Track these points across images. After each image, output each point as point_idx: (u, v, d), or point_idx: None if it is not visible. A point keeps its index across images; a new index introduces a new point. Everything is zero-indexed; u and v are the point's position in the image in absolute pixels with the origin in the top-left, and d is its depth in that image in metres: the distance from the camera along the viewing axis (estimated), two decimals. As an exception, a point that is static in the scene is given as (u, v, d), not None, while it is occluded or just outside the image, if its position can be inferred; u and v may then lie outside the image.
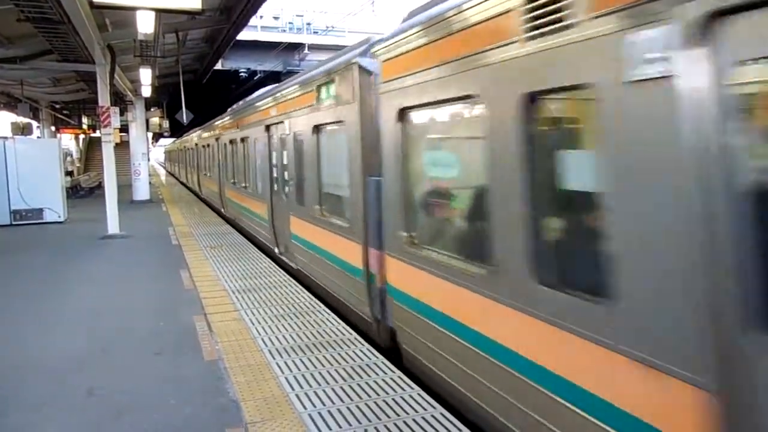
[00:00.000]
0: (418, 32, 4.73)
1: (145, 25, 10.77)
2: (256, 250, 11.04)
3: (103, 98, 13.53)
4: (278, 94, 10.09)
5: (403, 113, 5.12)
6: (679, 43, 2.42)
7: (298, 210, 8.79)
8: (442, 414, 4.11)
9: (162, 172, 56.49)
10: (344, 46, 7.00)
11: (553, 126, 3.64)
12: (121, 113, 21.37)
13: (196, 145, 25.13)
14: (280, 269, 9.19)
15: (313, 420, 4.08)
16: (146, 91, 21.09)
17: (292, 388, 4.63)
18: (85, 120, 33.26)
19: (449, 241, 4.91)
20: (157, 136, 48.65)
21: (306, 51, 32.83)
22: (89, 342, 6.12)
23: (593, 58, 2.88)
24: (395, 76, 5.19)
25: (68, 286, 8.82)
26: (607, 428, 2.93)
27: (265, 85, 16.88)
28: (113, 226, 13.54)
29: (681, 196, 2.47)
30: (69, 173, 28.37)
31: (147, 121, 25.96)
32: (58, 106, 29.98)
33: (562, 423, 3.25)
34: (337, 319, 6.46)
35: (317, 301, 7.21)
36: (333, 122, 7.17)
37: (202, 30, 16.34)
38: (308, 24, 34.84)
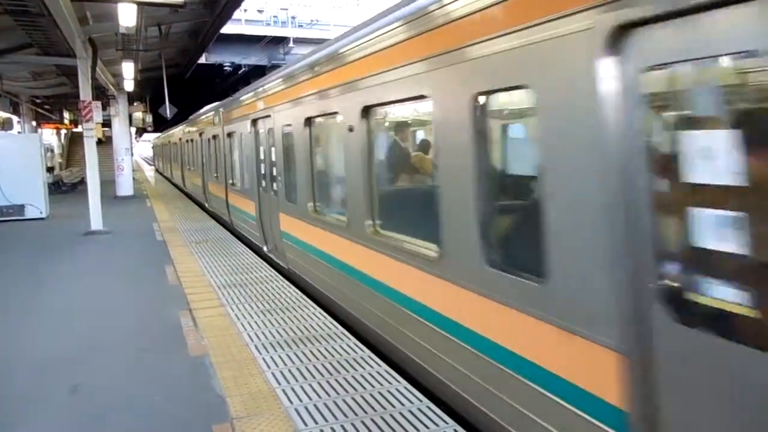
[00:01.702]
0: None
1: (127, 18, 10.63)
2: (242, 245, 11.00)
3: (85, 93, 13.34)
4: (197, 118, 19.24)
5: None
6: None
7: (213, 179, 15.63)
8: (428, 407, 4.12)
9: (147, 167, 55.73)
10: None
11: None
12: (104, 108, 21.14)
13: (169, 142, 31.54)
14: (266, 265, 9.16)
15: (299, 414, 4.07)
16: (129, 86, 20.87)
17: (279, 383, 4.62)
18: (66, 115, 32.88)
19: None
20: (140, 131, 48.11)
21: (291, 45, 32.64)
22: (73, 339, 6.06)
23: None
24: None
25: (51, 283, 8.72)
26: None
27: (248, 80, 17.12)
28: (96, 222, 13.39)
29: None
30: (49, 169, 28.02)
31: (130, 115, 25.68)
32: (39, 101, 29.55)
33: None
34: (323, 313, 6.46)
35: (303, 296, 7.20)
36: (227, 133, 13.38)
37: (185, 23, 16.18)
38: (293, 17, 34.65)
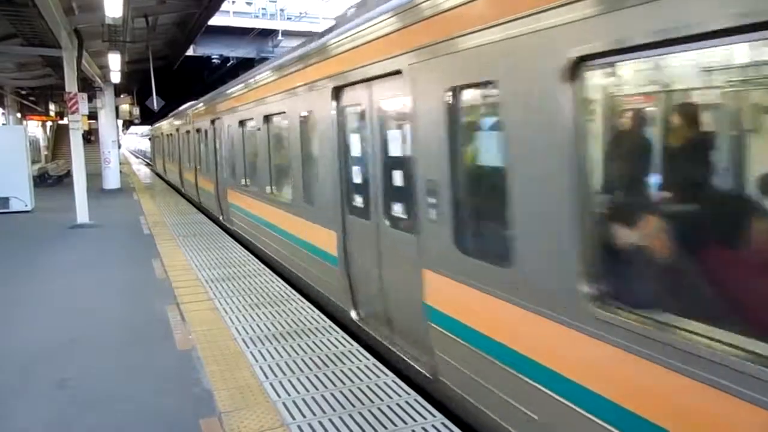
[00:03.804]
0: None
1: (113, 8, 10.50)
2: (230, 239, 10.96)
3: (70, 84, 13.19)
4: (175, 115, 22.71)
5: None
6: None
7: (186, 168, 19.02)
8: (416, 400, 4.14)
9: (134, 160, 55.19)
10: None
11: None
12: (90, 100, 20.86)
13: (153, 137, 33.60)
14: (254, 258, 9.14)
15: (287, 408, 4.08)
16: (115, 77, 20.64)
17: (267, 377, 4.61)
18: (52, 107, 32.47)
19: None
20: (127, 124, 47.68)
21: (280, 37, 32.42)
22: (59, 333, 6.02)
23: None
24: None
25: (37, 276, 8.65)
26: None
27: (237, 72, 17.08)
28: (82, 215, 13.29)
29: None
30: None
31: (117, 108, 25.40)
32: (23, 92, 29.17)
33: None
34: (312, 307, 6.46)
35: (292, 290, 7.19)
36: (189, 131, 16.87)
37: (173, 15, 16.01)
38: (282, 10, 34.40)
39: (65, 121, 22.29)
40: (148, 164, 44.44)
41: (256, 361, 4.95)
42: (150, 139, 40.25)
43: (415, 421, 3.86)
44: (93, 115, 24.64)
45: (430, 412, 3.95)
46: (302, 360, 4.94)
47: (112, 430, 4.04)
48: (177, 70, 25.24)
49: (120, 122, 33.27)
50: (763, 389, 2.07)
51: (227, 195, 12.20)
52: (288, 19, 34.30)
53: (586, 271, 2.82)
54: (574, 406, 2.94)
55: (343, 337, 5.48)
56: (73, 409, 4.32)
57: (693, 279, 2.57)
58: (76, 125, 13.45)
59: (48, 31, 12.62)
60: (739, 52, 2.28)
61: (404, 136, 4.67)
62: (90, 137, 31.90)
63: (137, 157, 62.62)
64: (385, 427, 3.79)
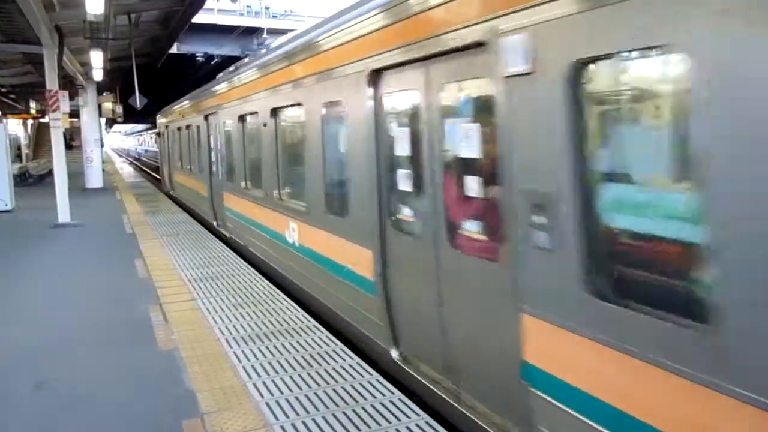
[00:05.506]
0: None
1: (95, 5, 10.37)
2: (214, 238, 10.88)
3: (51, 82, 13.01)
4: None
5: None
6: None
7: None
8: (400, 399, 4.13)
9: (117, 159, 54.48)
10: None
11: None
12: (72, 98, 20.60)
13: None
14: (239, 257, 9.08)
15: (270, 408, 4.05)
16: (98, 75, 20.41)
17: (250, 377, 4.58)
18: (33, 105, 32.03)
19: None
20: (110, 122, 47.13)
21: (265, 35, 32.23)
22: (39, 334, 5.93)
23: None
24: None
25: (17, 277, 8.51)
26: None
27: (222, 70, 17.03)
28: (64, 214, 13.11)
29: None
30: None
31: (99, 106, 25.08)
32: (4, 90, 28.71)
33: None
34: (296, 306, 6.43)
35: (276, 289, 7.16)
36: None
37: (156, 12, 15.84)
38: (266, 8, 34.18)
39: (46, 119, 21.99)
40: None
41: (239, 361, 4.92)
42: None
43: (398, 420, 3.85)
44: (75, 114, 24.33)
45: (414, 411, 3.95)
46: (286, 360, 4.91)
47: (93, 432, 3.99)
48: (161, 68, 24.99)
49: (103, 120, 32.87)
50: None
51: (173, 173, 19.56)
52: (273, 16, 34.08)
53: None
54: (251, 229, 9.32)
55: (327, 337, 5.46)
56: (53, 411, 4.26)
57: None
58: (57, 123, 13.27)
59: (28, 28, 12.44)
60: None
61: (226, 139, 10.83)
62: (72, 143, 31.44)
63: (120, 156, 62.07)
64: (369, 427, 3.78)
